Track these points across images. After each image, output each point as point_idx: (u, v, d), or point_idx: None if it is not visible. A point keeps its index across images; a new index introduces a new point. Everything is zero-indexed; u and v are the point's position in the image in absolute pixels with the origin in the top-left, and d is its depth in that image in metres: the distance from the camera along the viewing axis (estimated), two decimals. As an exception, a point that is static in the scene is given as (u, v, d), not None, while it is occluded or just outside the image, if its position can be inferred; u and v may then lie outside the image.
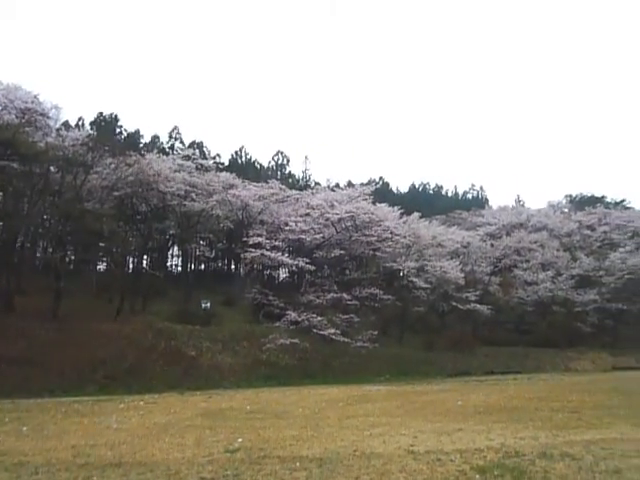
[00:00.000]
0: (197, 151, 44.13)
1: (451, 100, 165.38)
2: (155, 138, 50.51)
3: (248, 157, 55.88)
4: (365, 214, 34.40)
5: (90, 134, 34.73)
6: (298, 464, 6.40)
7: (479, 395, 14.72)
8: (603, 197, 66.83)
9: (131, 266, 38.12)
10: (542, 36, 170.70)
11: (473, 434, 8.08)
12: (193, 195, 34.12)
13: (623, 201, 64.98)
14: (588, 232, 51.14)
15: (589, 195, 68.03)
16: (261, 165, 56.48)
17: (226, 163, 51.73)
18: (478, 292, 37.18)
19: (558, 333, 35.86)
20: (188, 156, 38.04)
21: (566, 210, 61.36)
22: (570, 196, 69.48)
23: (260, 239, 32.39)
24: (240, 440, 8.42)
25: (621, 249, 41.89)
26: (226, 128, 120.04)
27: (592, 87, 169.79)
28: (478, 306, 35.67)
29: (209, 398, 17.40)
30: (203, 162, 39.57)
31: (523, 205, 65.63)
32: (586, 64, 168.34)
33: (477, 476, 5.37)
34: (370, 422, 10.06)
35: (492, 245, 44.26)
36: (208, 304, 31.82)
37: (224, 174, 38.18)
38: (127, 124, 69.98)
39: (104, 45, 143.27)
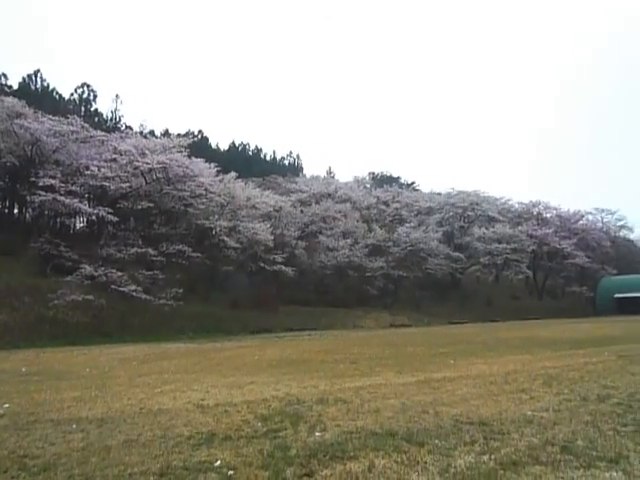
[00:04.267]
0: (-26, 67, 36.31)
1: (275, 66, 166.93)
2: None
3: (45, 84, 47.95)
4: (179, 167, 32.71)
5: None
6: (74, 426, 5.92)
7: (275, 350, 15.59)
8: (399, 178, 76.39)
9: None
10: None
11: (263, 386, 8.51)
12: (-35, 119, 28.25)
13: (413, 183, 75.32)
14: (383, 207, 57.74)
15: (388, 175, 76.91)
16: (61, 96, 49.00)
17: (15, 87, 43.82)
18: (285, 254, 39.01)
19: (351, 295, 39.94)
20: (-40, 70, 31.16)
21: (368, 186, 67.93)
22: (373, 174, 77.44)
23: (53, 181, 28.42)
24: (7, 405, 7.44)
25: (407, 224, 48.04)
26: (18, 44, 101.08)
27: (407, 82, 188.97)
28: (284, 268, 37.37)
29: (-27, 360, 14.99)
30: (-18, 81, 32.84)
31: (333, 177, 70.11)
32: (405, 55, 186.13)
33: (259, 424, 5.67)
34: (163, 379, 9.84)
35: (302, 211, 46.64)
36: (-20, 252, 27.05)
37: (10, 99, 32.19)
38: None
39: None
